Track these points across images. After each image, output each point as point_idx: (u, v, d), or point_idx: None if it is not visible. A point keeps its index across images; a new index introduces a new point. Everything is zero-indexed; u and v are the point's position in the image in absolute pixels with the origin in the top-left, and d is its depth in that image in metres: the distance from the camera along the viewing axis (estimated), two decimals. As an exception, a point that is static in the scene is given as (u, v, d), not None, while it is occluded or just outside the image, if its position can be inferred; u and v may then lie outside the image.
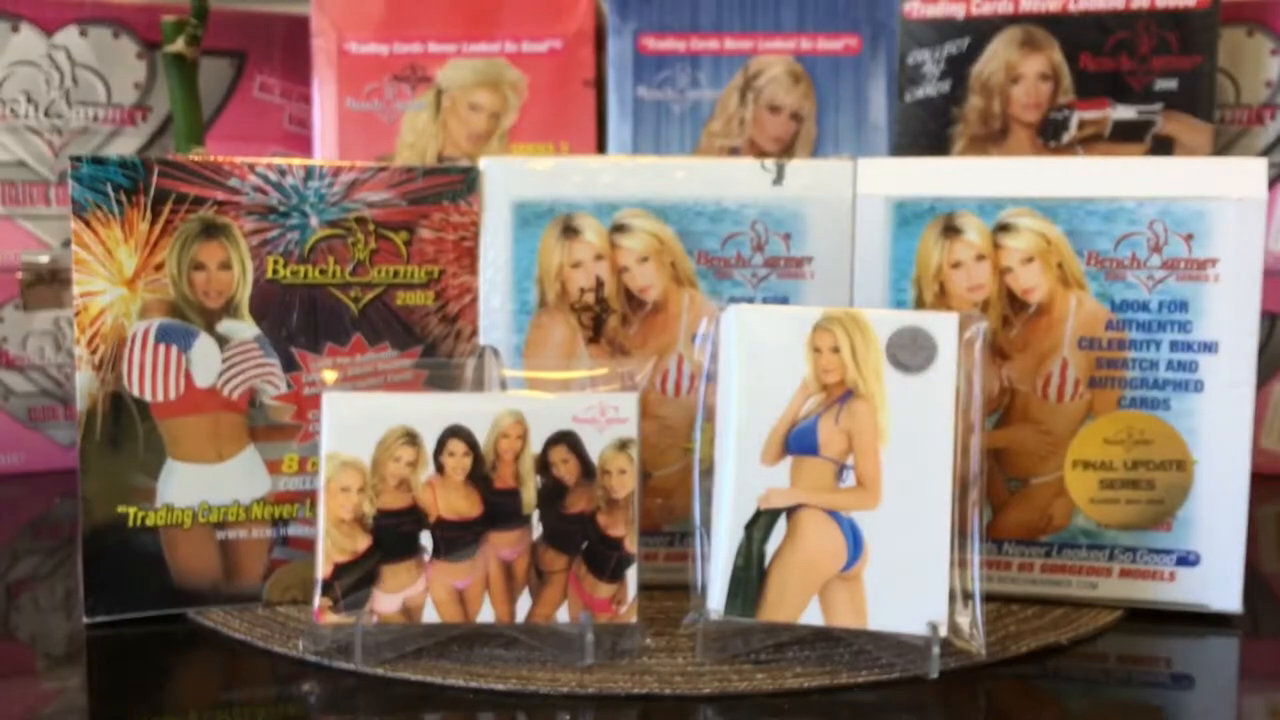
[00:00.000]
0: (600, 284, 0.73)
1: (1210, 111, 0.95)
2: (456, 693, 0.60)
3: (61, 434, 1.05)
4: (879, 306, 0.71)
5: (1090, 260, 0.70)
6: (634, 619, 0.63)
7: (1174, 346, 0.69)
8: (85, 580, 0.68)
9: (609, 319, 0.74)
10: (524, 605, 0.64)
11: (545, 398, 0.65)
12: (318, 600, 0.63)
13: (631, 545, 0.64)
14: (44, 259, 0.94)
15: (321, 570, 0.63)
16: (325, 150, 1.05)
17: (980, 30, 0.97)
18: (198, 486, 0.70)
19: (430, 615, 0.63)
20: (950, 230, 0.71)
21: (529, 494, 0.64)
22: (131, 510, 0.69)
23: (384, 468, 0.64)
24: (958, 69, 0.98)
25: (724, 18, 1.02)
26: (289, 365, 0.71)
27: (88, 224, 0.67)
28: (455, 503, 0.64)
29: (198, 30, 0.96)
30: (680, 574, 0.73)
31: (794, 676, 0.61)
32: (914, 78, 0.98)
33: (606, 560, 0.64)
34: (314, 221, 0.71)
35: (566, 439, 0.64)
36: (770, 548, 0.63)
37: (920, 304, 0.71)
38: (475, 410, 0.65)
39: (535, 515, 0.64)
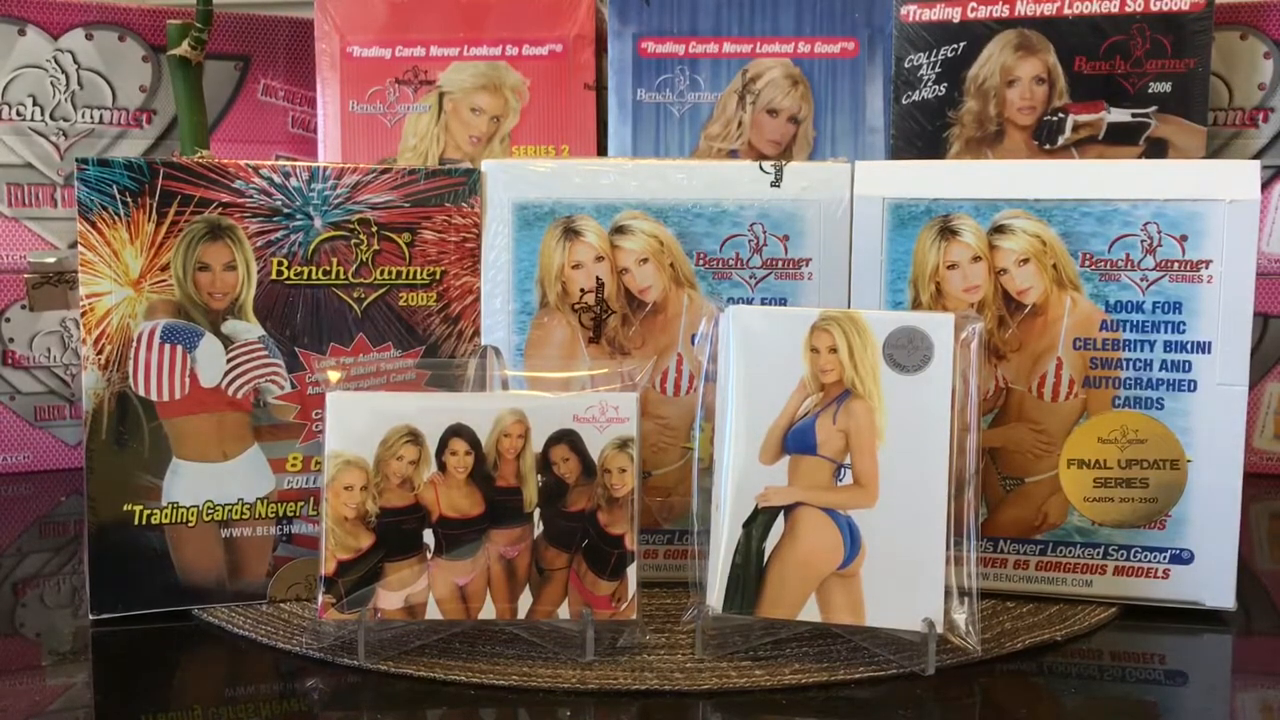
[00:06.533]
0: (600, 285, 0.74)
1: (1204, 114, 0.95)
2: (459, 689, 0.60)
3: (68, 433, 1.06)
4: (876, 307, 0.72)
5: (1085, 261, 0.70)
6: (634, 616, 0.64)
7: (1168, 347, 0.70)
8: (91, 578, 0.69)
9: (609, 319, 0.74)
10: (525, 602, 0.64)
11: (546, 397, 0.66)
12: (321, 597, 0.64)
13: (631, 543, 0.64)
14: (50, 260, 0.95)
15: (325, 568, 0.64)
16: (329, 153, 1.06)
17: (976, 34, 0.98)
18: (203, 485, 0.71)
19: (433, 612, 0.64)
20: (946, 232, 0.71)
21: (530, 492, 0.65)
22: (137, 508, 0.70)
23: (387, 466, 0.65)
24: (954, 72, 0.98)
25: (723, 22, 1.03)
26: (293, 365, 0.72)
27: (94, 225, 0.68)
28: (457, 501, 0.65)
29: (202, 34, 0.97)
30: (680, 571, 0.74)
31: (792, 672, 0.62)
32: (910, 81, 0.99)
33: (607, 558, 0.64)
34: (318, 223, 0.72)
35: (567, 438, 0.65)
36: (769, 545, 0.63)
37: (917, 304, 0.72)
38: (477, 409, 0.66)
39: (536, 513, 0.65)
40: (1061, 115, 0.97)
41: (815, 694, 0.60)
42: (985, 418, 0.72)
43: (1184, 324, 0.70)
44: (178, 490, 0.70)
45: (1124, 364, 0.71)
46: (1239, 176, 0.69)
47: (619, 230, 0.74)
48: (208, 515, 0.71)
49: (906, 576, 0.62)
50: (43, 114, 1.04)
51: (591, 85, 1.06)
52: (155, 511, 0.70)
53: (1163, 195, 0.69)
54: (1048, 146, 0.98)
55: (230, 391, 0.71)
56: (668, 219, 0.74)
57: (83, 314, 0.69)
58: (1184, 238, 0.69)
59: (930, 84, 0.98)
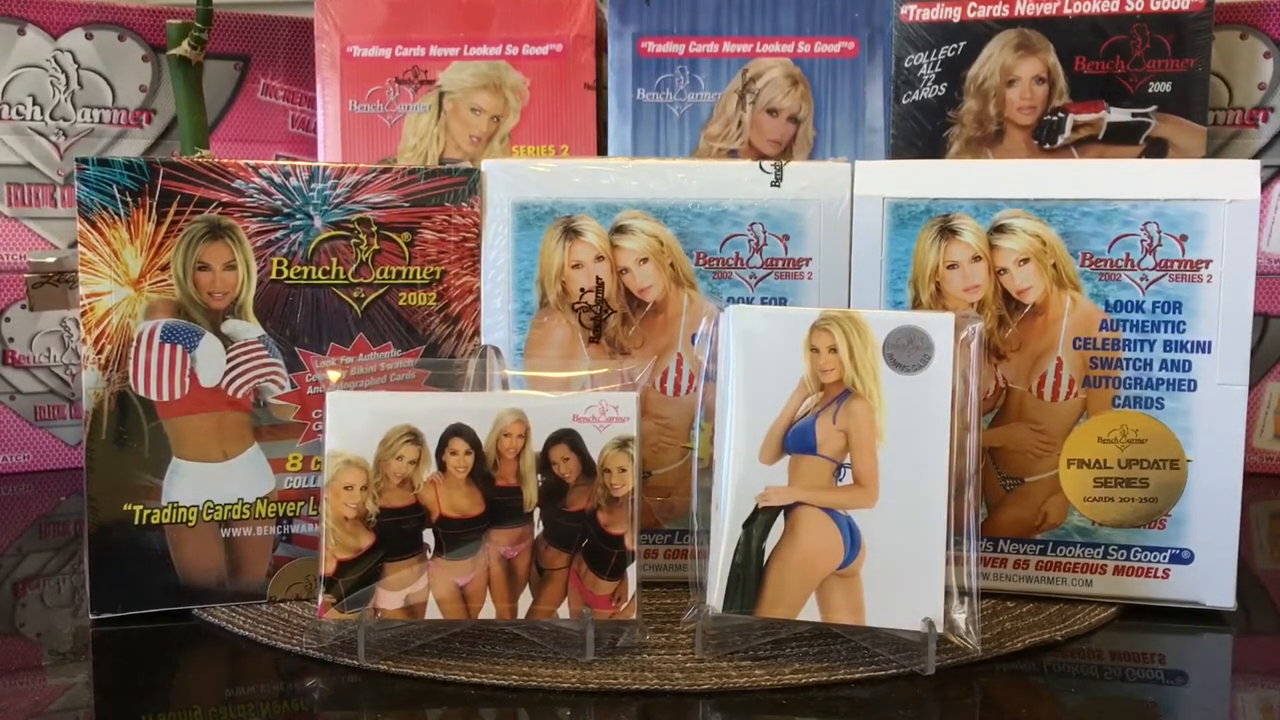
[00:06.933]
0: (600, 284, 0.74)
1: (1204, 114, 0.96)
2: (459, 689, 0.60)
3: (68, 433, 1.06)
4: (876, 307, 0.72)
5: (1085, 261, 0.70)
6: (634, 616, 0.64)
7: (1168, 346, 0.70)
8: (91, 577, 0.69)
9: (609, 319, 0.74)
10: (525, 602, 0.64)
11: (546, 397, 0.66)
12: (321, 597, 0.64)
13: (631, 543, 0.64)
14: (50, 260, 0.95)
15: (325, 568, 0.64)
16: (328, 152, 1.06)
17: (976, 34, 0.98)
18: (203, 485, 0.71)
19: (433, 612, 0.64)
20: (946, 231, 0.71)
21: (530, 492, 0.65)
22: (137, 508, 0.70)
23: (387, 466, 0.65)
24: (954, 72, 0.98)
25: (723, 21, 1.03)
26: (293, 365, 0.72)
27: (94, 225, 0.68)
28: (457, 501, 0.65)
29: (202, 34, 0.97)
30: (680, 571, 0.74)
31: (792, 672, 0.62)
32: (910, 81, 0.99)
33: (607, 558, 0.64)
34: (318, 223, 0.72)
35: (567, 438, 0.65)
36: (769, 545, 0.63)
37: (917, 304, 0.72)
38: (477, 409, 0.66)
39: (536, 513, 0.65)
40: (1061, 115, 0.97)
41: (815, 694, 0.60)
42: (985, 418, 0.72)
43: (1184, 324, 0.70)
44: (178, 490, 0.70)
45: (1124, 364, 0.71)
46: (1239, 176, 0.69)
47: (619, 230, 0.74)
48: (208, 515, 0.71)
49: (906, 576, 0.62)
50: (43, 114, 1.04)
51: (591, 85, 1.06)
52: (155, 511, 0.70)
53: (1163, 195, 0.69)
54: (1048, 146, 0.98)
55: (230, 391, 0.71)
56: (668, 219, 0.74)
57: (83, 314, 0.69)
58: (1184, 237, 0.69)
59: (930, 84, 0.98)
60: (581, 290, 0.74)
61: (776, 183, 0.73)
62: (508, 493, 0.65)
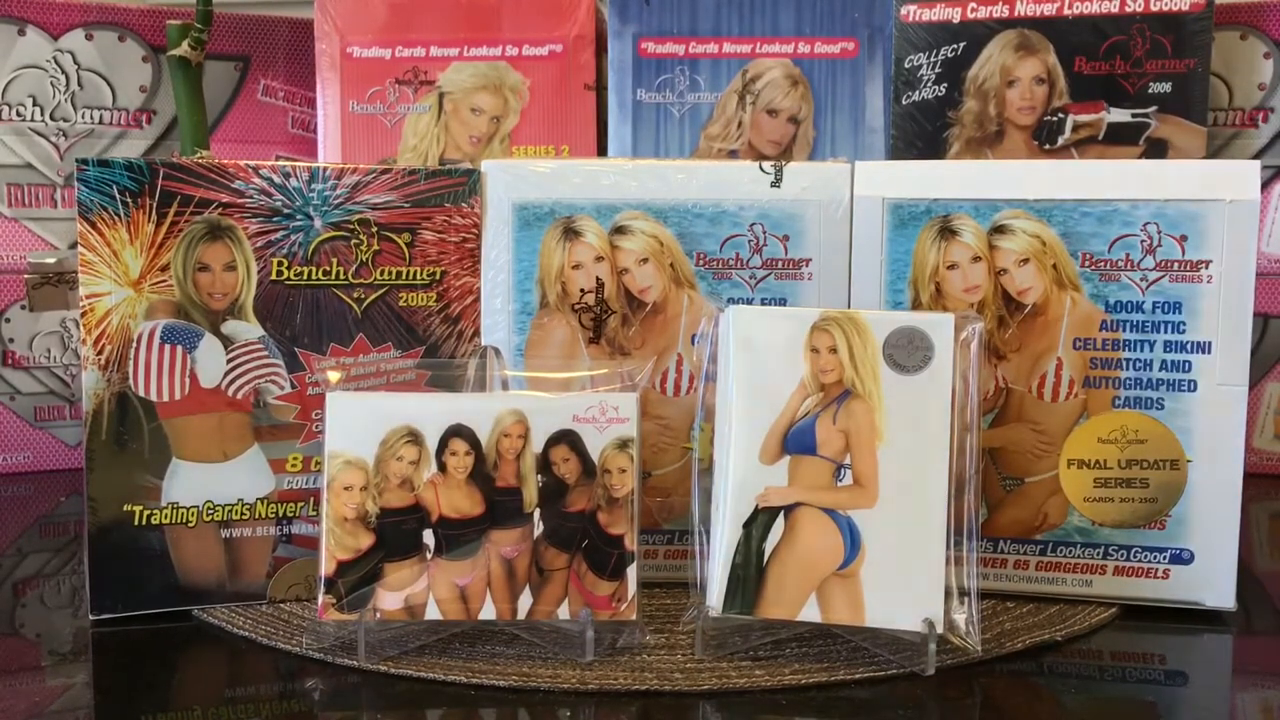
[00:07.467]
0: (600, 285, 0.74)
1: (1204, 114, 0.96)
2: (459, 689, 0.60)
3: (68, 433, 1.06)
4: (876, 307, 0.72)
5: (1085, 261, 0.70)
6: (634, 616, 0.64)
7: (1168, 347, 0.70)
8: (91, 578, 0.69)
9: (609, 320, 0.74)
10: (525, 603, 0.64)
11: (546, 397, 0.66)
12: (321, 597, 0.64)
13: (631, 543, 0.64)
14: (50, 260, 0.95)
15: (325, 568, 0.64)
16: (328, 153, 1.06)
17: (976, 34, 0.98)
18: (203, 485, 0.71)
19: (432, 612, 0.64)
20: (946, 232, 0.71)
21: (530, 493, 0.65)
22: (137, 509, 0.70)
23: (387, 467, 0.65)
24: (954, 72, 0.99)
25: (723, 22, 1.03)
26: (293, 365, 0.72)
27: (94, 226, 0.68)
28: (457, 501, 0.65)
29: (202, 34, 0.97)
30: (679, 572, 0.74)
31: (792, 673, 0.62)
32: (910, 81, 0.99)
33: (607, 558, 0.64)
34: (318, 223, 0.72)
35: (567, 438, 0.65)
36: (769, 546, 0.63)
37: (917, 305, 0.72)
38: (477, 410, 0.66)
39: (536, 514, 0.65)
40: (1061, 115, 0.97)
41: (815, 694, 0.60)
42: (985, 418, 0.72)
43: (1184, 324, 0.70)
44: (178, 490, 0.70)
45: (1124, 364, 0.71)
46: (1239, 176, 0.69)
47: (619, 230, 0.74)
48: (208, 515, 0.71)
49: (906, 577, 0.62)
50: (43, 114, 1.04)
51: (591, 85, 1.06)
52: (155, 511, 0.70)
53: (1163, 195, 0.69)
54: (1048, 146, 0.98)
55: (230, 392, 0.71)
56: (668, 219, 0.74)
57: (83, 314, 0.69)
58: (1184, 238, 0.69)
59: (930, 84, 0.98)
60: (581, 291, 0.74)
61: (776, 183, 0.73)
62: (508, 493, 0.65)
